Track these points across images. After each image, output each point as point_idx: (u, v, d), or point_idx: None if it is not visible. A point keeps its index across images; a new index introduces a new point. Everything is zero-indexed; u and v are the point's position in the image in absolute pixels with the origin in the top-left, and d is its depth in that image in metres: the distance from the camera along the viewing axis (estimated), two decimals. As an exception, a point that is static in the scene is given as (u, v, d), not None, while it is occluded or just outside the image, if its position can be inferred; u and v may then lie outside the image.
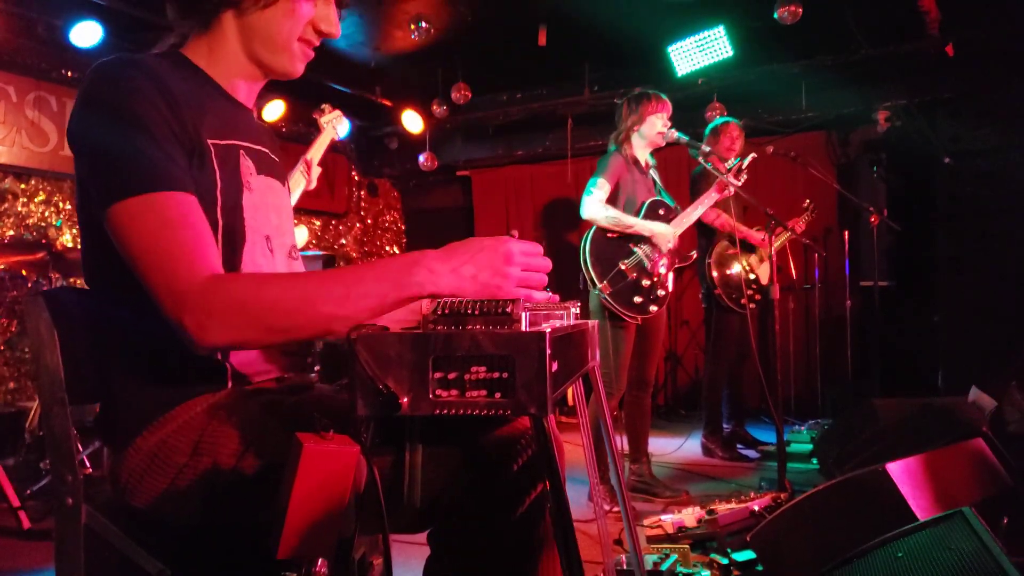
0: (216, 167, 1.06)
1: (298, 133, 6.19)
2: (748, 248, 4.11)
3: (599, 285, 3.09)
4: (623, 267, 3.11)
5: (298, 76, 1.19)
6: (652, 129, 3.22)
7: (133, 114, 0.96)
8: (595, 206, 3.12)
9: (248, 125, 1.19)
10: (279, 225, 1.20)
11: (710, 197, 3.31)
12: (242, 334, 0.91)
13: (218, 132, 1.08)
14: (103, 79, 0.99)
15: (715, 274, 3.98)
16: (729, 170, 3.33)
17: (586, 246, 3.16)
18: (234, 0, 1.10)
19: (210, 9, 1.12)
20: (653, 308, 3.16)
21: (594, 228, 3.18)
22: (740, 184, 3.28)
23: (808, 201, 4.29)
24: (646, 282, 3.13)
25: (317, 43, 1.18)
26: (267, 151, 1.22)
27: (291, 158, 2.06)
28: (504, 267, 0.95)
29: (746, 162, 3.40)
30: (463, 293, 0.93)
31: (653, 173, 3.38)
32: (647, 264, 3.14)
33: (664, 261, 3.19)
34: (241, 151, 1.13)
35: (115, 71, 0.99)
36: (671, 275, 3.26)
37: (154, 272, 0.91)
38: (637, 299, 3.12)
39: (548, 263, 1.02)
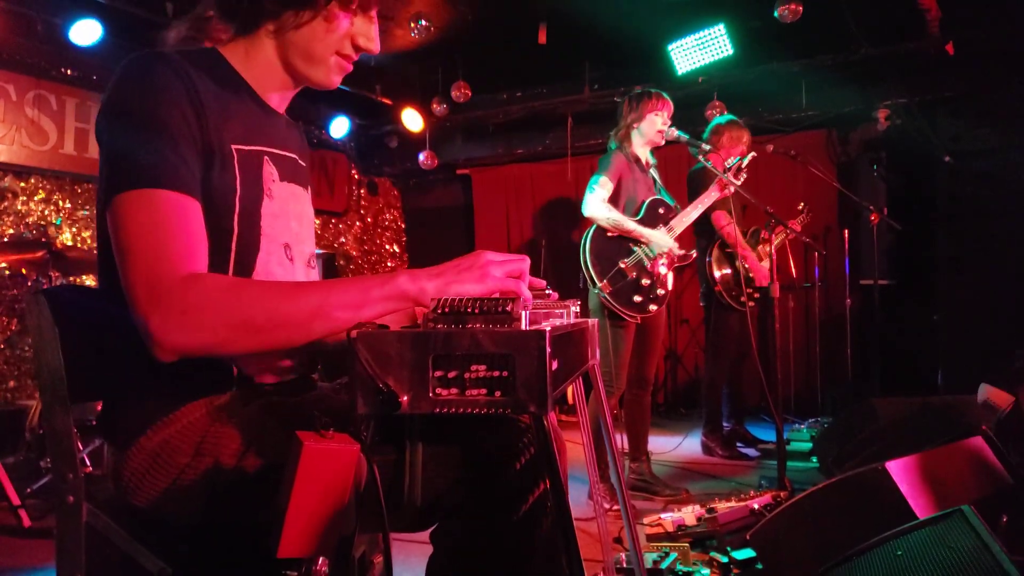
0: (237, 173, 1.05)
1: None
2: (748, 244, 4.11)
3: (599, 284, 3.08)
4: (623, 266, 3.11)
5: (334, 88, 1.19)
6: (652, 127, 3.22)
7: (154, 112, 0.96)
8: (597, 204, 3.11)
9: (276, 130, 1.19)
10: (299, 233, 1.19)
11: (710, 196, 3.30)
12: (213, 334, 0.89)
13: (244, 137, 1.08)
14: (132, 74, 0.99)
15: (716, 272, 3.98)
16: (728, 169, 3.33)
17: (586, 244, 3.16)
18: (274, 12, 1.10)
19: (250, 19, 1.12)
20: (653, 307, 3.16)
21: (595, 227, 3.17)
22: (740, 183, 3.29)
23: (802, 204, 4.28)
24: (646, 281, 3.13)
25: (356, 58, 1.17)
26: (294, 156, 1.21)
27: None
28: (486, 269, 0.96)
29: (745, 161, 3.40)
30: (449, 292, 0.93)
31: (653, 172, 3.38)
32: (647, 263, 3.14)
33: (664, 260, 3.19)
34: (266, 157, 1.12)
35: (145, 67, 0.99)
36: (671, 274, 3.26)
37: (134, 266, 0.91)
38: (637, 298, 3.11)
39: (526, 261, 1.01)
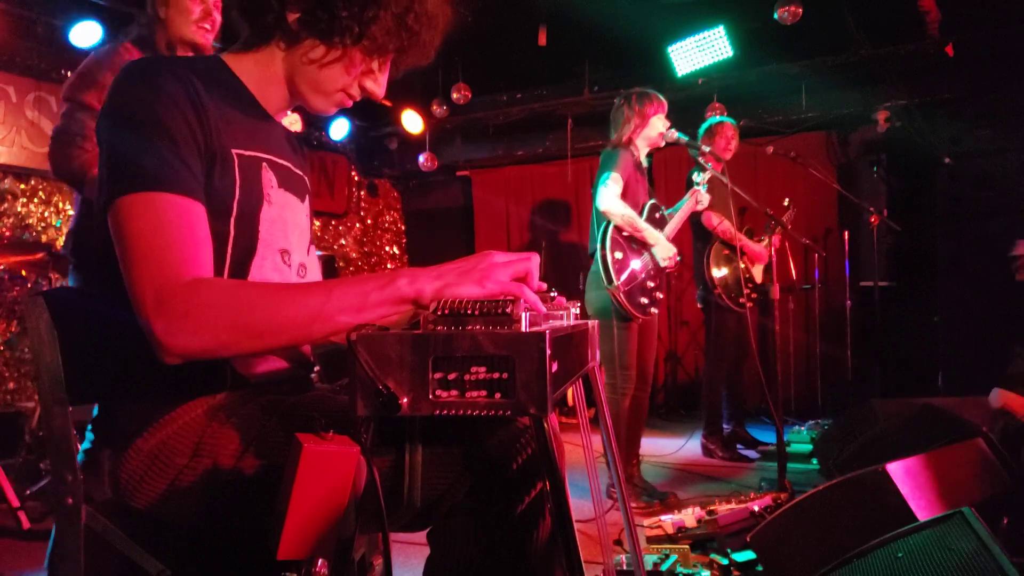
0: (238, 177, 1.06)
1: (296, 134, 6.20)
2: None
3: (616, 282, 3.03)
4: (636, 267, 3.12)
5: (328, 114, 1.22)
6: (655, 130, 3.22)
7: (158, 116, 0.96)
8: (613, 200, 3.04)
9: (275, 138, 1.19)
10: (294, 241, 1.19)
11: (688, 206, 3.39)
12: (215, 337, 0.89)
13: (244, 143, 1.08)
14: (134, 77, 0.99)
15: (714, 274, 3.99)
16: (696, 184, 3.45)
17: (605, 242, 3.08)
18: (296, 35, 1.10)
19: (268, 31, 1.13)
20: (653, 310, 3.20)
21: (611, 224, 3.11)
22: (706, 203, 3.43)
23: (787, 200, 4.26)
24: (651, 284, 3.15)
25: (359, 99, 1.19)
26: (290, 166, 1.21)
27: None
28: (489, 272, 0.94)
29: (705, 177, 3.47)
30: (447, 295, 0.92)
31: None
32: (651, 266, 3.16)
33: (664, 264, 3.22)
34: (264, 163, 1.12)
35: (148, 71, 1.00)
36: (665, 278, 3.30)
37: (138, 270, 0.91)
38: (643, 300, 3.13)
39: (534, 260, 1.00)
